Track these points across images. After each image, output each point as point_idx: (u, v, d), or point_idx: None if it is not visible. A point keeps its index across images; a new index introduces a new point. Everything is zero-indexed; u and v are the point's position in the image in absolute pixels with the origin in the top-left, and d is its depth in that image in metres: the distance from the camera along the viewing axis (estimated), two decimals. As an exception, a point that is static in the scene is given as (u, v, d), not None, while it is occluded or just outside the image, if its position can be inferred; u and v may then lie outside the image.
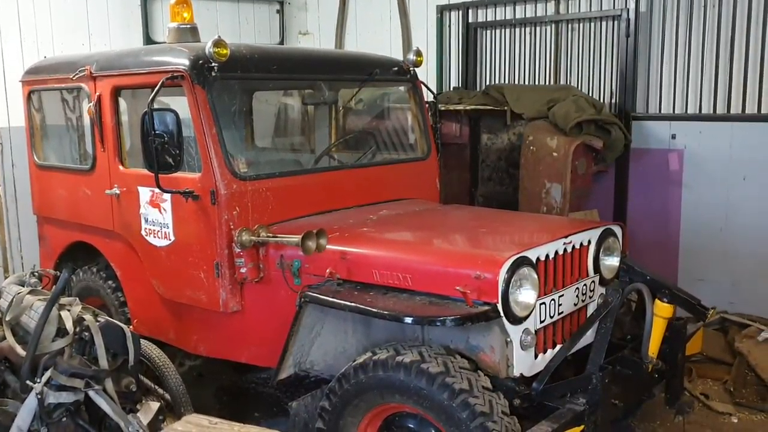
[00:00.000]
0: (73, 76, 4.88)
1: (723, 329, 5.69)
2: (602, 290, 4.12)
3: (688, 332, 4.26)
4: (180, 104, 4.33)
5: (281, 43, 8.86)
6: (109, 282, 5.04)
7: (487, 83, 7.21)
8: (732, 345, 5.44)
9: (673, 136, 6.14)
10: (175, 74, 4.13)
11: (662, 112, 6.25)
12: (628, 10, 6.19)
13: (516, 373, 3.50)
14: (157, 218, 4.45)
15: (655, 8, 6.16)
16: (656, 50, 6.21)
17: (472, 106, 6.57)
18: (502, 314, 3.38)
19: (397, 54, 7.56)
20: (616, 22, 6.35)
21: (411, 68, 5.24)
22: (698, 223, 6.08)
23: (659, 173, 6.24)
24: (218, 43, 4.04)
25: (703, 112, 6.01)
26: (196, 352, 4.59)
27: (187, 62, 4.14)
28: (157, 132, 3.90)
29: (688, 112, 6.09)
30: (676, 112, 6.16)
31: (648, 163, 6.29)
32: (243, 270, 4.12)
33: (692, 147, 6.06)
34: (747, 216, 5.81)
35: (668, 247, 6.23)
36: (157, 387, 3.99)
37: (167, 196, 4.31)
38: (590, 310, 4.06)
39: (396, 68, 5.19)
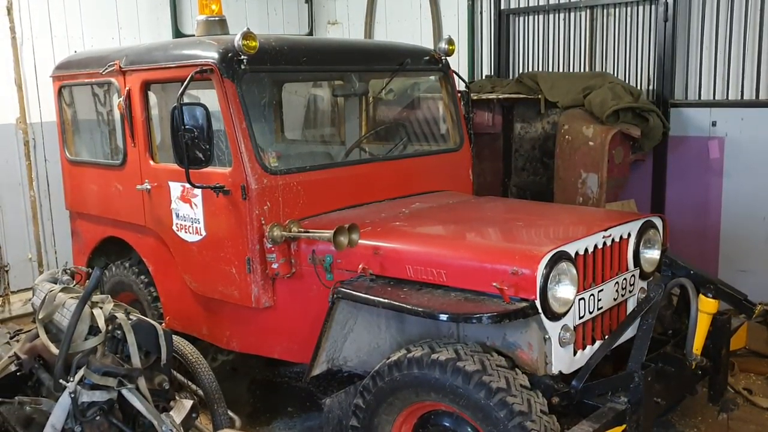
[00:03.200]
0: (103, 71, 4.87)
1: (766, 322, 5.51)
2: (643, 284, 4.01)
3: (732, 327, 4.12)
4: (210, 97, 4.29)
5: (310, 33, 8.81)
6: (142, 277, 5.04)
7: (521, 71, 7.08)
8: (776, 338, 5.28)
9: (714, 124, 5.97)
10: (204, 68, 4.09)
11: (702, 98, 6.08)
12: (666, -7, 6.03)
13: (554, 370, 3.42)
14: (188, 213, 4.43)
15: (695, -9, 5.99)
16: (695, 34, 6.04)
17: (505, 95, 6.46)
18: (540, 311, 3.29)
19: (427, 42, 7.46)
20: (653, 6, 6.18)
21: (443, 57, 5.14)
22: (740, 213, 5.91)
23: (699, 162, 6.08)
24: (247, 35, 3.98)
25: (744, 98, 5.85)
26: (229, 347, 4.57)
27: (216, 55, 4.09)
28: (187, 127, 3.86)
29: (729, 98, 5.93)
30: (716, 98, 5.99)
31: (687, 151, 6.13)
32: (275, 265, 4.08)
33: (733, 134, 5.89)
34: (792, 205, 5.65)
35: (708, 238, 6.07)
36: (190, 383, 3.97)
37: (198, 192, 4.28)
38: (630, 304, 3.94)
39: (427, 57, 5.09)
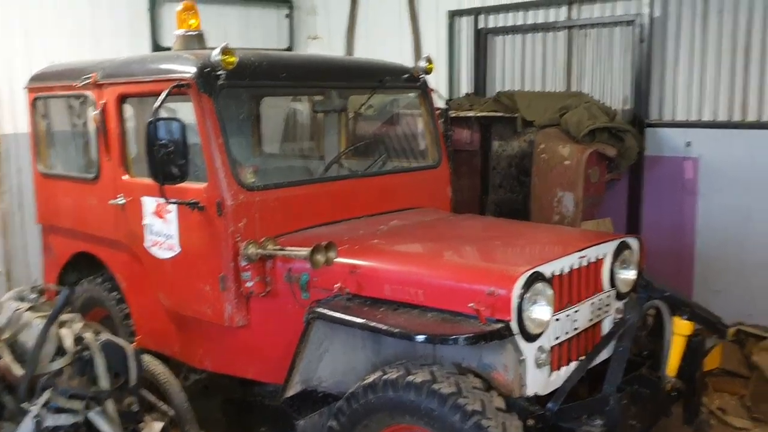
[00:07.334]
0: (79, 84, 4.80)
1: (739, 342, 5.56)
2: (618, 304, 4.01)
3: (706, 347, 4.13)
4: (187, 110, 4.24)
5: (290, 48, 8.78)
6: (114, 293, 4.95)
7: (498, 90, 7.10)
8: (749, 358, 5.31)
9: (688, 144, 6.02)
10: (181, 82, 4.04)
11: (677, 119, 6.13)
12: (642, 15, 6.08)
13: (530, 392, 3.39)
14: (162, 229, 4.36)
15: (670, 13, 6.04)
16: (671, 56, 6.10)
17: (483, 113, 6.47)
18: (516, 332, 3.27)
19: (407, 59, 7.46)
20: (629, 28, 6.24)
21: (421, 75, 5.14)
22: (714, 233, 5.96)
23: (674, 181, 6.13)
24: (226, 50, 3.94)
25: (719, 119, 5.90)
26: (202, 366, 4.49)
27: (193, 70, 4.04)
28: (162, 141, 3.80)
29: (704, 119, 5.98)
30: (691, 119, 6.05)
31: (662, 171, 6.17)
32: (249, 284, 4.02)
33: (708, 155, 5.94)
34: (765, 226, 5.68)
35: (683, 258, 6.11)
36: (161, 403, 3.89)
37: (172, 207, 4.22)
38: (606, 325, 3.94)
39: (406, 75, 5.09)
